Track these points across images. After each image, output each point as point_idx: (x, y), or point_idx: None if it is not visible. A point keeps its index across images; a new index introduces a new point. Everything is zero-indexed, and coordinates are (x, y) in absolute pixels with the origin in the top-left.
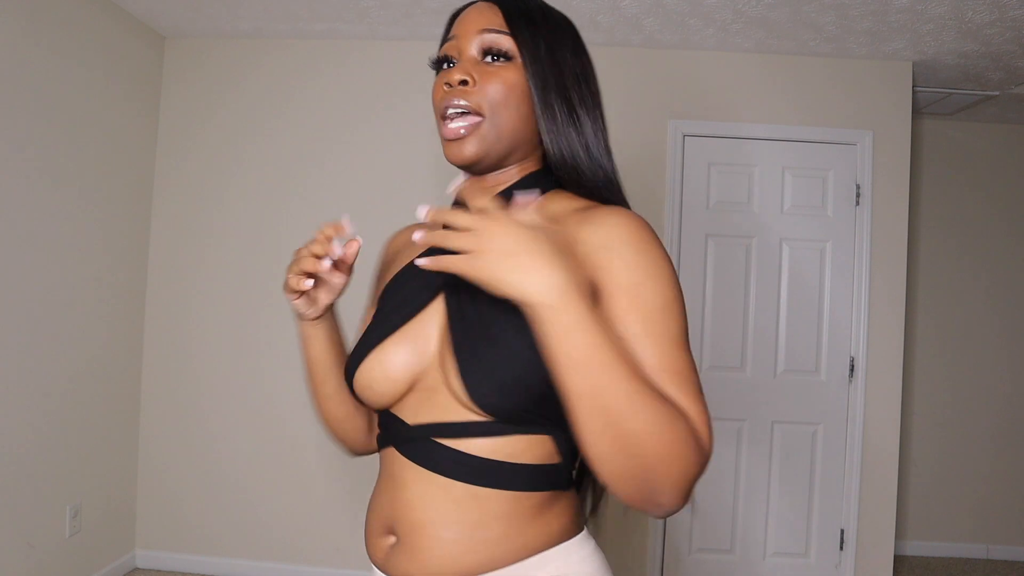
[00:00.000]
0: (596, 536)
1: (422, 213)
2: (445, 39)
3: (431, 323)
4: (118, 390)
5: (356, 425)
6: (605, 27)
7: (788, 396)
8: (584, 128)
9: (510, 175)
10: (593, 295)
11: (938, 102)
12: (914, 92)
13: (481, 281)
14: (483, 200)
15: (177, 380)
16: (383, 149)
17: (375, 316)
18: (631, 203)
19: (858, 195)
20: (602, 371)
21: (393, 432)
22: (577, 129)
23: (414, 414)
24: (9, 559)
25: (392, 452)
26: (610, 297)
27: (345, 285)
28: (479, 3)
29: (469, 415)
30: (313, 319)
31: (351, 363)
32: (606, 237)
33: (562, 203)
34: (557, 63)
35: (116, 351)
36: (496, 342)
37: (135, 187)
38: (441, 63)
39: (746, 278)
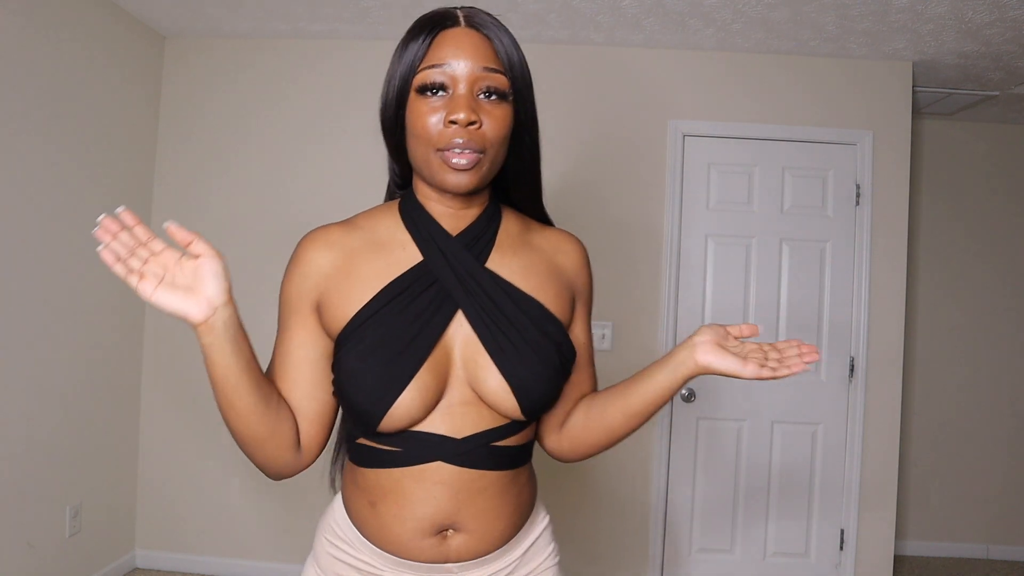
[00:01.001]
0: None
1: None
2: (425, 59)
3: (450, 341)
4: (118, 390)
5: (280, 443)
6: (605, 27)
7: (788, 396)
8: (539, 156)
9: (475, 203)
10: (571, 307)
11: (938, 102)
12: (914, 92)
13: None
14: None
15: (177, 380)
16: (382, 149)
17: (381, 340)
18: (631, 205)
19: (858, 195)
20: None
21: (439, 448)
22: (537, 160)
23: (457, 429)
24: (9, 559)
25: (437, 465)
26: (580, 310)
27: (218, 268)
28: (467, 30)
29: (502, 419)
30: (204, 319)
31: (382, 397)
32: (576, 264)
33: (515, 223)
34: (530, 99)
35: (116, 350)
36: (531, 363)
37: (135, 187)
38: (428, 89)
39: (746, 278)
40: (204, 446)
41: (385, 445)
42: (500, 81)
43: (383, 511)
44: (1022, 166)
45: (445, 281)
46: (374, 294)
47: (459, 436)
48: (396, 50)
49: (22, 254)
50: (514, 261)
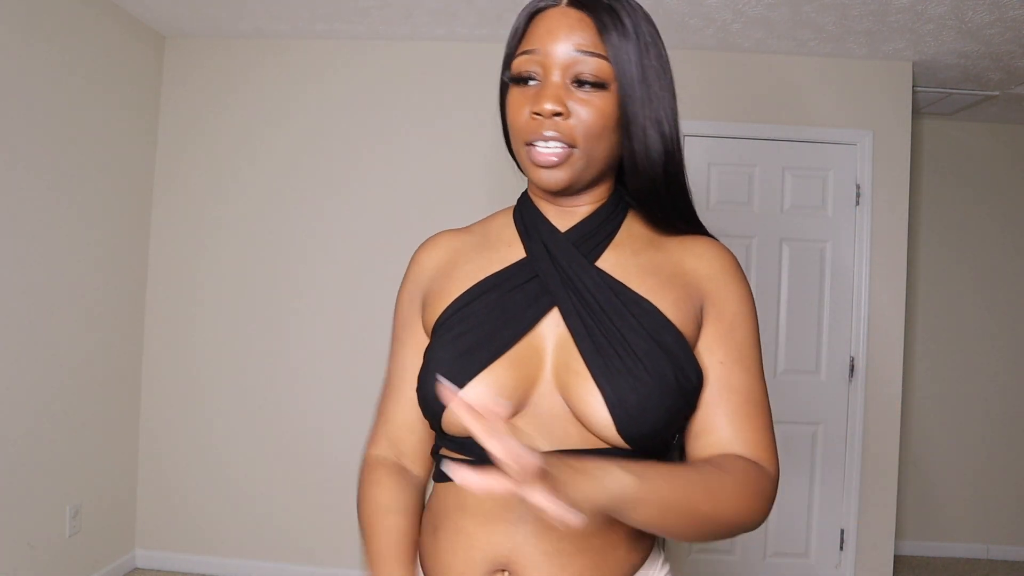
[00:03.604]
0: None
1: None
2: (519, 45)
3: (542, 341)
4: (118, 390)
5: (420, 505)
6: None
7: (788, 396)
8: (672, 157)
9: (586, 199)
10: (697, 320)
11: (938, 102)
12: (914, 92)
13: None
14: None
15: (177, 380)
16: (383, 148)
17: (463, 331)
18: None
19: (858, 195)
20: (675, 506)
21: None
22: (666, 158)
23: (536, 441)
24: (9, 559)
25: None
26: (711, 323)
27: None
28: (566, 10)
29: (600, 442)
30: None
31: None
32: (711, 268)
33: (644, 225)
34: (649, 86)
35: (116, 351)
36: (634, 371)
37: (135, 187)
38: (520, 78)
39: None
40: (204, 445)
41: (456, 453)
42: (597, 67)
43: (442, 538)
44: (1022, 166)
45: (545, 275)
46: (469, 288)
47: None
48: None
49: (21, 255)
50: (631, 261)
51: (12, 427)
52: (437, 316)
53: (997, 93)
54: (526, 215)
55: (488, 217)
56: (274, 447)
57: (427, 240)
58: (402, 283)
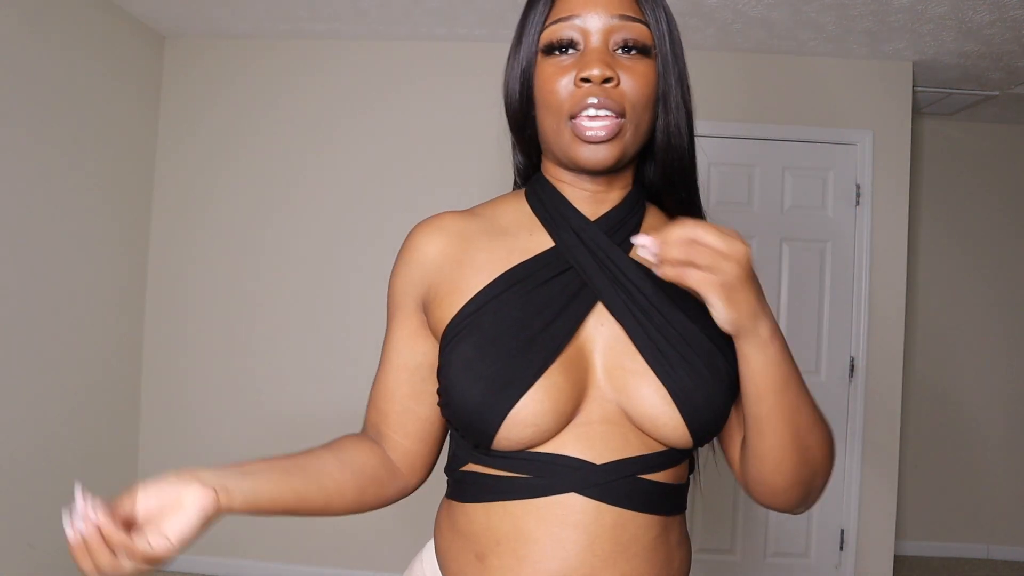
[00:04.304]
0: None
1: (643, 241)
2: (550, 14)
3: (587, 340)
4: (118, 390)
5: (376, 492)
6: None
7: None
8: (693, 136)
9: (617, 185)
10: None
11: (938, 102)
12: (914, 92)
13: (722, 304)
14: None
15: (177, 380)
16: (382, 149)
17: (498, 332)
18: None
19: (858, 195)
20: (797, 391)
21: (574, 476)
22: (689, 137)
23: (597, 453)
24: (9, 559)
25: (570, 500)
26: None
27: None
28: None
29: (657, 446)
30: (221, 508)
31: (501, 397)
32: None
33: (659, 216)
34: (677, 58)
35: (116, 350)
36: (695, 366)
37: (135, 187)
38: (556, 47)
39: None
40: (204, 446)
41: (503, 471)
42: (640, 32)
43: (495, 566)
44: (1022, 166)
45: (583, 267)
46: (492, 280)
47: (599, 462)
48: (520, 19)
49: (21, 256)
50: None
51: (13, 427)
52: (455, 312)
53: (997, 93)
54: (546, 201)
55: (493, 201)
56: (274, 447)
57: (426, 222)
58: (395, 267)
